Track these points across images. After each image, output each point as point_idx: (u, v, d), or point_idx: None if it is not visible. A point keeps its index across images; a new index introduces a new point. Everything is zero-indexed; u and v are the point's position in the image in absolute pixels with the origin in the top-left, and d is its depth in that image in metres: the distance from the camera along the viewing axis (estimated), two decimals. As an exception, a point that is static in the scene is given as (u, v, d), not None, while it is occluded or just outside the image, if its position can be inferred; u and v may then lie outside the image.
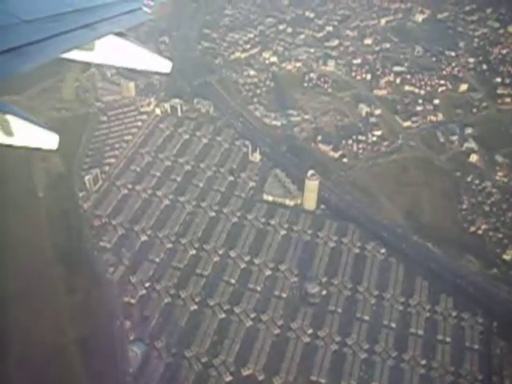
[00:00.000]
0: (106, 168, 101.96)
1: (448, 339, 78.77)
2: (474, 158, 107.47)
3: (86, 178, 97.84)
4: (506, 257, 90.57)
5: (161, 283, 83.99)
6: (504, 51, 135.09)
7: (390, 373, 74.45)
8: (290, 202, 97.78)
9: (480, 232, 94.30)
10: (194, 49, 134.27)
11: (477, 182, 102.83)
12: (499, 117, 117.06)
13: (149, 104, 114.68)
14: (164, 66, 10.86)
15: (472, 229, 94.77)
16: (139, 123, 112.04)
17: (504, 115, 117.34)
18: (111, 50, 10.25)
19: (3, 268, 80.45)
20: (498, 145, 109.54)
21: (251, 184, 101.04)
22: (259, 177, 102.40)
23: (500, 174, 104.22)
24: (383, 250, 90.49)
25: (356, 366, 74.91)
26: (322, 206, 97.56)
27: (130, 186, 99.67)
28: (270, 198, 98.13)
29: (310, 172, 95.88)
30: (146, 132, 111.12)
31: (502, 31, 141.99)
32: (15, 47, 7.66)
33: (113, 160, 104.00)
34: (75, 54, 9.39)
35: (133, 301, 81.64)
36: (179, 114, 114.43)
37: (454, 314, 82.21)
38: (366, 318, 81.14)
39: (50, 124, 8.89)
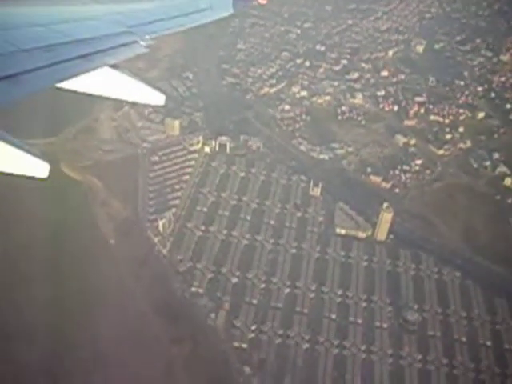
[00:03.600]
0: (173, 210, 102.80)
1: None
2: (508, 181, 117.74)
3: (161, 222, 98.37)
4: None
5: (266, 324, 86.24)
6: (503, 79, 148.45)
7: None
8: (362, 234, 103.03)
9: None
10: (219, 84, 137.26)
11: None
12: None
13: (198, 142, 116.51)
14: (158, 98, 11.47)
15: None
16: (192, 162, 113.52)
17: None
18: (106, 82, 10.65)
19: (97, 326, 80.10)
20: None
21: (320, 219, 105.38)
22: (325, 211, 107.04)
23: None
24: (458, 274, 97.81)
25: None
26: (391, 236, 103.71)
27: (203, 228, 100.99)
28: (343, 232, 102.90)
29: (385, 204, 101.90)
30: (201, 171, 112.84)
31: (495, 60, 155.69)
32: (11, 75, 7.97)
33: (177, 202, 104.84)
34: (70, 84, 9.74)
35: (244, 345, 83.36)
36: (228, 151, 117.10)
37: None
38: (463, 339, 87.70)
39: (39, 152, 9.21)
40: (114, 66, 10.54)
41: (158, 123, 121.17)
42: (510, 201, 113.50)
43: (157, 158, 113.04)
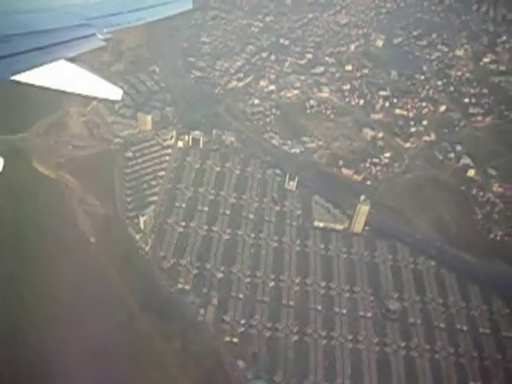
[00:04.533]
0: (152, 207, 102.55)
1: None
2: (471, 172, 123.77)
3: (142, 218, 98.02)
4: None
5: (255, 318, 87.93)
6: (459, 73, 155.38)
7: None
8: (339, 227, 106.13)
9: (498, 238, 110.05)
10: (187, 78, 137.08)
11: (481, 194, 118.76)
12: (478, 134, 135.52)
13: (171, 137, 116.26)
14: (115, 93, 11.50)
15: (491, 236, 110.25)
16: (167, 157, 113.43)
17: (482, 132, 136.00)
18: (63, 75, 10.54)
19: (84, 325, 79.64)
20: (485, 159, 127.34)
21: (298, 212, 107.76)
22: (301, 204, 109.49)
23: (496, 185, 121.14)
24: (433, 263, 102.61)
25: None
26: (367, 228, 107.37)
27: (183, 224, 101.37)
28: (321, 224, 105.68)
29: (363, 197, 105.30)
30: (176, 166, 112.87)
31: (451, 55, 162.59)
32: None
33: (155, 198, 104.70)
34: (25, 77, 9.54)
35: (235, 340, 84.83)
36: (201, 146, 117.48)
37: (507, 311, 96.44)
38: (442, 325, 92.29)
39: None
40: (71, 59, 10.50)
41: (129, 118, 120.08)
42: (474, 191, 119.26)
43: (131, 154, 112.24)
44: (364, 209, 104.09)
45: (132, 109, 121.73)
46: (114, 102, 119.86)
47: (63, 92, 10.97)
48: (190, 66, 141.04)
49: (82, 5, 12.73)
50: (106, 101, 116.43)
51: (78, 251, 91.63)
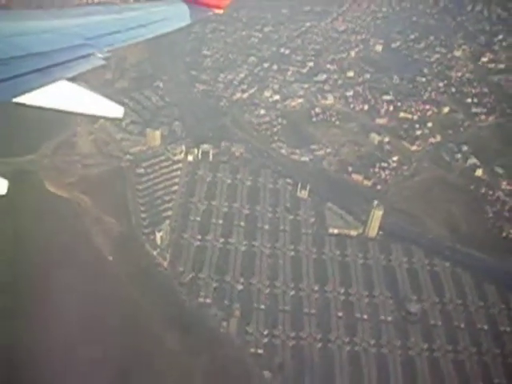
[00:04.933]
0: (167, 222, 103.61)
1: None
2: (479, 172, 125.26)
3: (158, 234, 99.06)
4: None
5: (278, 328, 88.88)
6: (459, 74, 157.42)
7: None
8: (354, 232, 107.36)
9: (511, 236, 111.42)
10: (191, 92, 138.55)
11: (490, 192, 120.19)
12: (483, 133, 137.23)
13: (180, 152, 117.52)
14: (116, 111, 11.57)
15: (503, 234, 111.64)
16: (178, 172, 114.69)
17: (486, 131, 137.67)
18: (64, 95, 10.68)
19: (113, 346, 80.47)
20: (492, 158, 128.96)
21: (311, 220, 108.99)
22: (315, 212, 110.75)
23: (504, 183, 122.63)
24: (448, 264, 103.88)
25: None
26: (381, 232, 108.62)
27: (199, 237, 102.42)
28: (336, 231, 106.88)
29: (376, 202, 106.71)
30: (187, 180, 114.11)
31: (450, 56, 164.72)
32: None
33: (169, 213, 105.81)
34: (27, 99, 9.67)
35: (260, 351, 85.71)
36: (211, 158, 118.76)
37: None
38: (462, 325, 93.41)
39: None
40: (71, 79, 10.59)
41: (137, 134, 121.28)
42: (483, 190, 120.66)
43: (142, 170, 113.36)
44: (378, 214, 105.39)
45: (140, 125, 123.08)
46: (121, 119, 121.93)
47: (66, 112, 11.18)
48: (194, 79, 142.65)
49: (80, 25, 13.01)
50: (109, 119, 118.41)
51: (97, 270, 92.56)
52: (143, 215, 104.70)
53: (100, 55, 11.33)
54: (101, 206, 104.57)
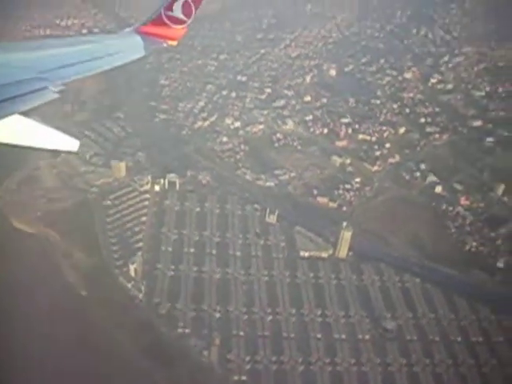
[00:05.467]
0: (139, 253, 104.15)
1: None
2: (438, 189, 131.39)
3: (132, 266, 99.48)
4: (499, 265, 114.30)
5: (259, 354, 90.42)
6: (411, 95, 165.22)
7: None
8: (324, 254, 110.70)
9: (473, 249, 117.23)
10: (152, 122, 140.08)
11: (451, 208, 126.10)
12: (438, 151, 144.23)
13: (147, 182, 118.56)
14: (71, 144, 11.61)
15: (467, 248, 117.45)
16: (146, 203, 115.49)
17: (441, 149, 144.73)
18: (17, 130, 10.59)
19: (90, 379, 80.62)
20: (449, 175, 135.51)
21: (282, 244, 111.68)
22: (284, 236, 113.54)
23: (463, 198, 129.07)
24: (418, 280, 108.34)
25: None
26: (350, 253, 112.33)
27: (172, 267, 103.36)
28: (307, 254, 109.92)
29: (345, 223, 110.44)
30: (155, 210, 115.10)
31: (400, 78, 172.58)
32: None
33: (141, 244, 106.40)
34: None
35: (244, 377, 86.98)
36: (177, 188, 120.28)
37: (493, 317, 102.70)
38: (437, 338, 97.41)
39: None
40: (25, 113, 10.71)
41: (101, 166, 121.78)
42: (444, 206, 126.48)
43: (109, 202, 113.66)
44: (347, 234, 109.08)
45: (103, 157, 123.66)
46: (84, 151, 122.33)
47: (20, 147, 11.29)
48: (154, 109, 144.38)
49: (33, 59, 12.99)
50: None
51: (70, 306, 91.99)
52: (114, 248, 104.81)
53: (53, 89, 11.44)
54: (70, 240, 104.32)
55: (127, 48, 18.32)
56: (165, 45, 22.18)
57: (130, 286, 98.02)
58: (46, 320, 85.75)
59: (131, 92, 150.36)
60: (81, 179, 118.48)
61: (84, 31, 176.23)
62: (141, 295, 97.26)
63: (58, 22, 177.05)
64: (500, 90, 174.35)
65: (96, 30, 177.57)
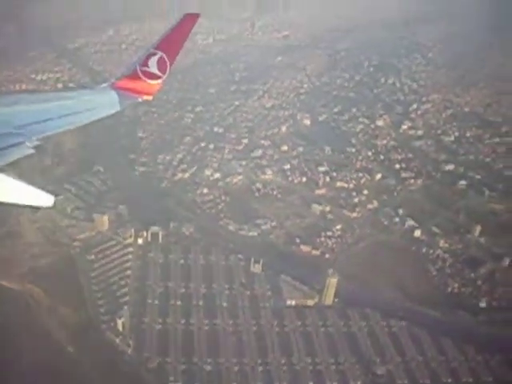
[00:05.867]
0: (125, 307, 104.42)
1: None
2: (417, 233, 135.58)
3: (120, 321, 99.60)
4: (482, 305, 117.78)
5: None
6: (384, 142, 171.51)
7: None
8: (311, 302, 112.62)
9: (456, 290, 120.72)
10: (132, 175, 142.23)
11: (431, 251, 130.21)
12: (414, 196, 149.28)
13: (130, 235, 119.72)
14: (46, 199, 11.63)
15: (449, 289, 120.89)
16: (130, 256, 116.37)
17: (417, 194, 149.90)
18: None
19: None
20: (427, 219, 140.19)
21: (268, 293, 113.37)
22: (270, 285, 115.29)
23: (442, 241, 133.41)
24: (404, 323, 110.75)
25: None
26: (336, 299, 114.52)
27: (160, 320, 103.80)
28: (293, 302, 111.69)
29: (331, 270, 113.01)
30: (140, 263, 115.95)
31: (373, 126, 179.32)
32: None
33: (127, 298, 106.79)
34: None
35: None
36: (160, 240, 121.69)
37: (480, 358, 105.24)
38: (428, 381, 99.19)
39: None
40: (0, 169, 10.82)
41: (83, 220, 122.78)
42: (424, 250, 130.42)
43: (93, 257, 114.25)
44: (333, 281, 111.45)
45: (85, 210, 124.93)
46: (67, 205, 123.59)
47: None
48: (133, 162, 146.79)
49: (9, 113, 13.19)
50: (40, 208, 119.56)
51: (58, 363, 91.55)
52: (100, 302, 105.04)
53: (30, 144, 11.56)
54: (55, 296, 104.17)
55: (103, 103, 19.12)
56: (140, 100, 23.33)
57: (117, 340, 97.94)
58: (32, 378, 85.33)
59: (109, 145, 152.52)
60: (63, 233, 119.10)
61: (59, 85, 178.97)
62: (129, 350, 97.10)
63: (33, 76, 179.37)
64: (468, 134, 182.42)
65: (71, 84, 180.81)
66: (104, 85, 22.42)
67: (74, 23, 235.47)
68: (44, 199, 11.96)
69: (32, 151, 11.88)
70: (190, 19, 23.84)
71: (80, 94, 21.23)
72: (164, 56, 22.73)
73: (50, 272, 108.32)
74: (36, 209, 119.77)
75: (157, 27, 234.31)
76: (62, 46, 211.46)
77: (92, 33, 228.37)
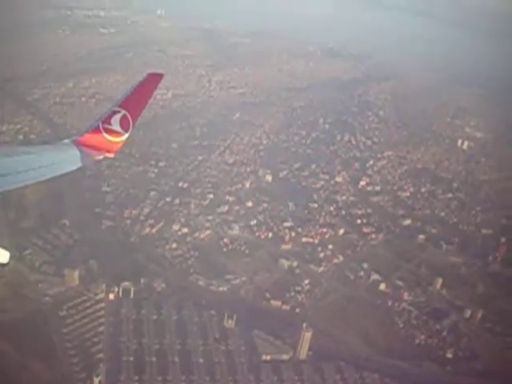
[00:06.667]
0: (101, 365, 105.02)
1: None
2: (382, 286, 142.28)
3: (97, 379, 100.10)
4: (449, 355, 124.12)
5: None
6: (344, 197, 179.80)
7: None
8: (285, 356, 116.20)
9: (423, 342, 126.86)
10: (99, 229, 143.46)
11: (396, 304, 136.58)
12: (377, 250, 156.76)
13: (102, 291, 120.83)
14: (2, 255, 11.45)
15: (417, 341, 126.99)
16: (102, 312, 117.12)
17: (379, 248, 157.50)
18: None
19: None
20: (390, 272, 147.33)
21: (242, 348, 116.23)
22: (244, 340, 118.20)
23: (406, 294, 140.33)
24: (376, 375, 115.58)
25: None
26: (310, 353, 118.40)
27: (136, 378, 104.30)
28: (268, 357, 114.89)
29: (305, 324, 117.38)
30: (112, 320, 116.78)
31: (332, 182, 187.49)
32: None
33: (101, 355, 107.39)
34: None
35: None
36: (131, 296, 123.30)
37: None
38: None
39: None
40: None
41: (52, 275, 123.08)
42: (389, 303, 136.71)
43: (65, 312, 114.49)
44: (307, 335, 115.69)
45: (53, 265, 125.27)
46: (32, 260, 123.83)
47: None
48: (99, 216, 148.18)
49: None
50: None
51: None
52: (74, 360, 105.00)
53: None
54: (25, 353, 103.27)
55: (63, 159, 19.46)
56: (102, 157, 23.37)
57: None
58: None
59: (73, 199, 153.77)
60: (32, 288, 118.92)
61: (20, 137, 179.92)
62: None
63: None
64: (423, 190, 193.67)
65: (32, 136, 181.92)
66: (66, 141, 22.75)
67: (31, 74, 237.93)
68: (1, 255, 11.57)
69: None
70: (153, 79, 24.20)
71: (41, 150, 21.32)
72: (127, 114, 22.79)
73: (20, 328, 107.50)
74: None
75: (118, 80, 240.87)
76: (20, 97, 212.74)
77: (51, 85, 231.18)
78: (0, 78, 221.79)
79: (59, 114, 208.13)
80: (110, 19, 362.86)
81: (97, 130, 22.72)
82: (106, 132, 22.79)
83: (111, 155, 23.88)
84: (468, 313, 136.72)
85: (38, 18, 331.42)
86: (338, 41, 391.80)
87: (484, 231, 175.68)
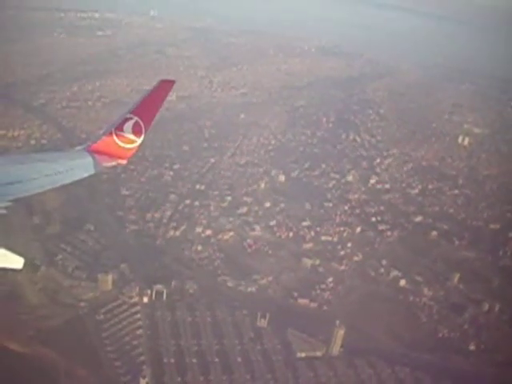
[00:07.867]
0: (143, 367, 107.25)
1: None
2: (402, 282, 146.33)
3: (144, 380, 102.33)
4: (472, 347, 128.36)
5: None
6: (356, 196, 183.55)
7: None
8: (319, 353, 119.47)
9: (446, 335, 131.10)
10: (124, 233, 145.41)
11: (417, 299, 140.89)
12: (394, 247, 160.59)
13: (136, 294, 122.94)
14: (16, 262, 12.05)
15: (440, 335, 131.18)
16: (138, 315, 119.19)
17: (396, 245, 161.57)
18: None
19: None
20: (409, 268, 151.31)
21: (278, 347, 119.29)
22: (278, 339, 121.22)
23: (425, 289, 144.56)
24: (408, 369, 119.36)
25: None
26: (341, 349, 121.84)
27: (179, 379, 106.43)
28: (303, 355, 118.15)
29: (338, 321, 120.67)
30: (148, 323, 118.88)
31: (344, 181, 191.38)
32: None
33: (143, 357, 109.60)
34: None
35: None
36: (164, 298, 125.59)
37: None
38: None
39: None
40: None
41: (85, 280, 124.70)
42: (411, 298, 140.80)
43: (102, 317, 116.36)
44: (340, 332, 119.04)
45: (85, 270, 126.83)
46: (67, 264, 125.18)
47: None
48: (122, 220, 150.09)
49: None
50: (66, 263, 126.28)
51: None
52: (117, 363, 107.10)
53: (1, 204, 11.66)
54: (68, 358, 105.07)
55: (77, 166, 19.97)
56: (114, 163, 23.82)
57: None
58: None
59: (93, 203, 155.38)
60: (67, 294, 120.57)
61: (32, 142, 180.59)
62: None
63: (3, 132, 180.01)
64: (430, 187, 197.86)
65: (44, 141, 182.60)
66: (79, 147, 23.45)
67: (32, 79, 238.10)
68: (14, 261, 12.43)
69: (4, 212, 12.35)
70: (165, 85, 24.63)
71: (55, 157, 21.77)
72: (139, 121, 23.67)
73: (60, 334, 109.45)
74: (35, 268, 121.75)
75: (121, 83, 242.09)
76: (26, 102, 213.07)
77: (55, 89, 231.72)
78: (1, 82, 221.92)
79: (68, 118, 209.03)
80: (104, 21, 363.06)
81: (109, 137, 23.55)
82: (119, 138, 23.64)
83: (124, 162, 24.57)
84: (486, 306, 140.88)
85: (29, 20, 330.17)
86: (330, 39, 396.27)
87: (492, 226, 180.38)
